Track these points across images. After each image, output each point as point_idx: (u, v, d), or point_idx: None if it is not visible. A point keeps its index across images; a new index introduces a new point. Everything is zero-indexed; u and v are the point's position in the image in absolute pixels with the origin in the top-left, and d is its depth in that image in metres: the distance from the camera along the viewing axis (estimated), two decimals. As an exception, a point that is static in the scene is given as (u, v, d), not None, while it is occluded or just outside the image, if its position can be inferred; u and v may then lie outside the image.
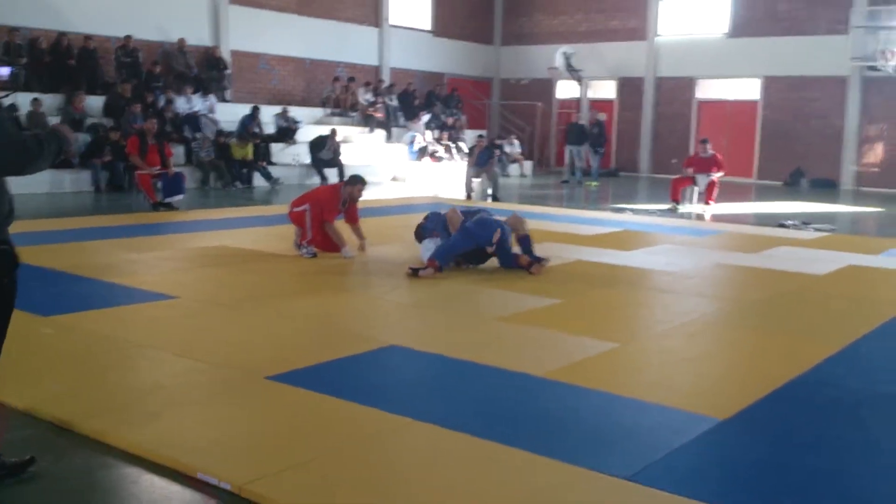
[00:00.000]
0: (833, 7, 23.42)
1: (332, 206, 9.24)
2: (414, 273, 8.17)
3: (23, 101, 15.18)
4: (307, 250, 9.10)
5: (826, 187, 23.26)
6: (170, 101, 18.06)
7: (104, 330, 5.84)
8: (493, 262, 8.74)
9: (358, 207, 9.66)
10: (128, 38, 18.67)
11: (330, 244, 9.21)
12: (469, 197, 16.71)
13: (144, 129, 13.92)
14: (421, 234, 9.09)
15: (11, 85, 3.53)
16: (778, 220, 14.27)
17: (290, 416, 4.33)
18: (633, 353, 5.85)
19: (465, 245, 8.52)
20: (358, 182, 9.43)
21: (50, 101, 16.61)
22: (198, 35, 20.69)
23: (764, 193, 21.40)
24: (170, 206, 13.20)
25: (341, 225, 9.46)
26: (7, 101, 3.59)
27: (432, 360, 5.45)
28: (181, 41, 19.94)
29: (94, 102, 17.51)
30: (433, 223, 9.06)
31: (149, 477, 3.63)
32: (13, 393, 4.44)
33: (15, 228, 3.51)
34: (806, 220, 14.33)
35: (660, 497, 3.54)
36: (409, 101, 24.59)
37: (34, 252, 8.13)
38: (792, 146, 24.49)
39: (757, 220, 14.94)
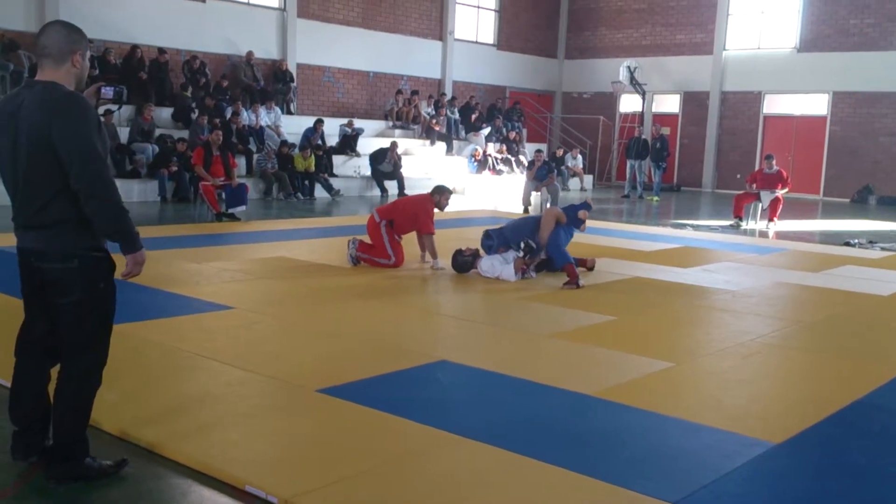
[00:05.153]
0: (905, 22, 22.98)
1: (431, 217, 9.48)
2: (577, 285, 8.38)
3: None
4: (353, 247, 9.37)
5: (895, 205, 22.74)
6: (236, 113, 18.37)
7: (158, 340, 5.94)
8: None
9: None
10: (193, 57, 19.13)
11: (383, 254, 9.30)
12: (526, 210, 16.65)
13: (210, 140, 14.17)
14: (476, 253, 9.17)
15: (116, 101, 3.82)
16: (843, 239, 13.98)
17: (339, 430, 4.35)
18: (687, 373, 5.77)
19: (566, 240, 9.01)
20: (445, 191, 9.70)
21: (121, 111, 17.01)
22: (265, 48, 21.07)
23: (830, 211, 20.98)
24: (233, 217, 13.41)
25: (410, 237, 9.73)
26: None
27: (483, 376, 5.44)
28: (249, 54, 20.31)
29: (163, 113, 17.91)
30: (499, 240, 9.15)
31: (198, 489, 3.68)
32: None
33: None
34: (872, 239, 14.02)
35: (707, 523, 3.49)
36: (470, 115, 24.66)
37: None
38: (860, 163, 24.02)
39: (822, 238, 14.63)
